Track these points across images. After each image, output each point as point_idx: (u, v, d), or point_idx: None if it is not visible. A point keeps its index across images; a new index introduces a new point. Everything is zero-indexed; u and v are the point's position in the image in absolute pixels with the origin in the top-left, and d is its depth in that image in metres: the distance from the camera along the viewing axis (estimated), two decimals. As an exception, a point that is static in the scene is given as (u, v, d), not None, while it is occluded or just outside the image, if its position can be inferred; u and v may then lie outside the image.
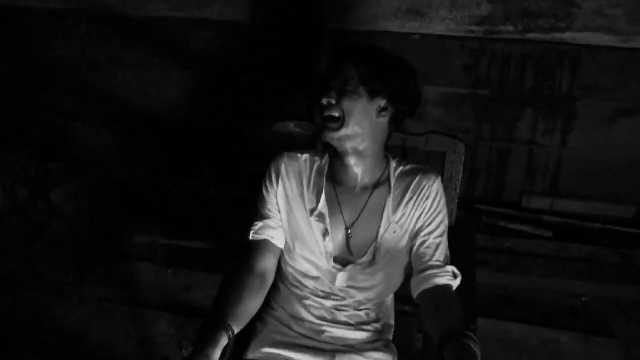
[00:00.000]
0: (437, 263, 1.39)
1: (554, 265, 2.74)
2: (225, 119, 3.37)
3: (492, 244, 2.92)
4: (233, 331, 1.28)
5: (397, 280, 1.49)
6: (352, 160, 1.42)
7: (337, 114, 1.35)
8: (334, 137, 1.36)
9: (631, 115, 2.78)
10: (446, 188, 1.54)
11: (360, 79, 1.35)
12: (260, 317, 1.45)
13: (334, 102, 1.35)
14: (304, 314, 1.47)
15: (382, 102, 1.37)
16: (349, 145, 1.39)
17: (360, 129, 1.36)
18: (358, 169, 1.44)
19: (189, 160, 3.56)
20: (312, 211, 1.44)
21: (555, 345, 2.31)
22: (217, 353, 1.22)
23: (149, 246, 3.03)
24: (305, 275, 1.46)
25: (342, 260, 1.44)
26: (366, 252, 1.43)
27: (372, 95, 1.35)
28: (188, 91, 3.38)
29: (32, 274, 2.77)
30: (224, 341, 1.24)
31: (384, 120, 1.40)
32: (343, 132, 1.35)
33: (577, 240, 2.90)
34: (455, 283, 1.38)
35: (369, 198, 1.44)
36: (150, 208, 3.35)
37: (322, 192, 1.45)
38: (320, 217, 1.43)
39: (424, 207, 1.42)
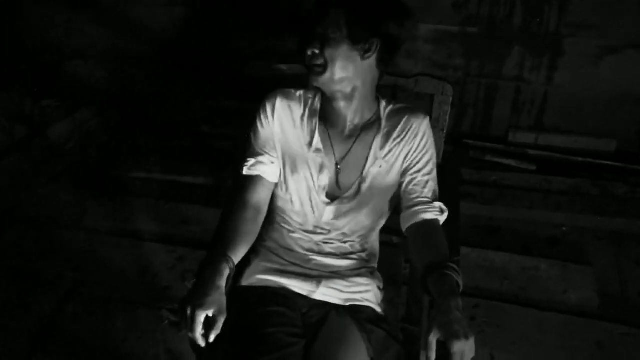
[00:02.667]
0: (425, 199, 1.44)
1: (537, 197, 2.82)
2: (217, 55, 3.37)
3: (478, 177, 2.99)
4: (233, 262, 1.34)
5: (382, 214, 1.55)
6: (341, 103, 1.45)
7: (320, 62, 1.36)
8: (319, 81, 1.38)
9: (616, 52, 2.81)
10: (434, 127, 1.56)
11: (346, 23, 1.34)
12: (252, 248, 1.49)
13: (317, 51, 1.35)
14: (293, 245, 1.53)
15: (366, 45, 1.36)
16: (336, 88, 1.41)
17: (345, 73, 1.37)
18: (347, 111, 1.46)
19: (181, 96, 3.58)
20: (308, 146, 1.48)
21: (535, 272, 2.40)
22: (223, 282, 1.28)
23: (145, 181, 3.08)
24: (294, 211, 1.52)
25: (330, 195, 1.49)
26: (352, 185, 1.49)
27: (356, 40, 1.35)
28: (178, 27, 3.36)
29: (33, 209, 2.83)
30: (226, 272, 1.30)
31: (371, 62, 1.40)
32: (327, 76, 1.37)
33: (560, 173, 2.99)
34: (442, 218, 1.44)
35: (358, 136, 1.48)
36: (144, 144, 3.38)
37: (315, 129, 1.48)
38: (317, 152, 1.47)
39: (411, 145, 1.46)
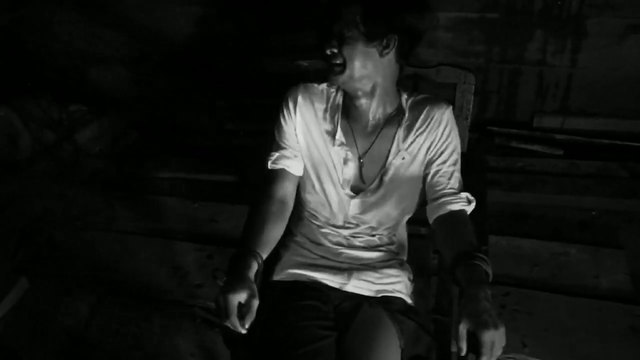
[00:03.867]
0: (451, 190, 1.44)
1: (564, 181, 2.79)
2: (238, 53, 3.39)
3: (504, 164, 2.97)
4: (262, 257, 1.36)
5: (409, 205, 1.55)
6: (362, 100, 1.45)
7: (339, 61, 1.36)
8: (339, 80, 1.39)
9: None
10: (457, 117, 1.56)
11: (361, 20, 1.33)
12: (282, 244, 1.52)
13: (335, 50, 1.35)
14: (322, 240, 1.55)
15: (384, 41, 1.36)
16: (356, 86, 1.41)
17: (365, 71, 1.37)
18: (369, 107, 1.46)
19: (204, 96, 3.62)
20: (331, 140, 1.48)
21: (565, 257, 2.38)
22: (252, 274, 1.30)
23: (172, 181, 3.12)
24: (321, 205, 1.53)
25: (355, 188, 1.51)
26: (375, 178, 1.50)
27: (372, 37, 1.34)
28: (198, 26, 3.39)
29: (64, 212, 2.88)
30: (255, 267, 1.32)
31: (390, 57, 1.39)
32: (347, 74, 1.37)
33: (587, 156, 2.95)
34: (469, 208, 1.44)
35: (381, 129, 1.48)
36: (170, 144, 3.43)
37: (337, 124, 1.49)
38: (341, 146, 1.48)
39: (434, 135, 1.46)
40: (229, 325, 1.25)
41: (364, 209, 1.51)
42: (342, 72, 1.37)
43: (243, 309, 1.24)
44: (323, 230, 1.56)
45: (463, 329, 1.17)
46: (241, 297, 1.24)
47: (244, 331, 1.24)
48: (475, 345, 1.16)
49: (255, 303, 1.25)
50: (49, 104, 3.36)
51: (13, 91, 3.32)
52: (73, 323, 2.28)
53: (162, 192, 3.03)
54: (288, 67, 1.83)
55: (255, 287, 1.28)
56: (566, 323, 2.07)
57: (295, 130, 1.51)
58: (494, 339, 1.14)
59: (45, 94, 3.42)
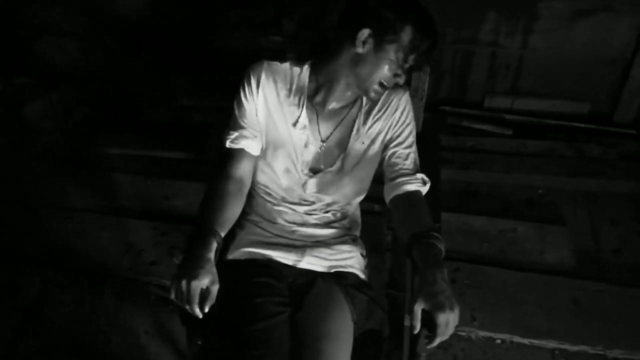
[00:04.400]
0: (407, 171, 1.47)
1: (513, 160, 2.87)
2: (194, 27, 3.33)
3: (455, 143, 3.03)
4: (220, 235, 1.35)
5: (364, 185, 1.58)
6: (330, 85, 1.46)
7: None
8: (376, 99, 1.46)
9: (589, 15, 2.84)
10: (413, 97, 1.57)
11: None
12: (237, 222, 1.50)
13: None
14: (277, 218, 1.55)
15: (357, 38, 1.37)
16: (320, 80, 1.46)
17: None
18: (334, 92, 1.46)
19: (158, 70, 3.55)
20: (294, 122, 1.48)
21: (512, 234, 2.46)
22: (212, 255, 1.30)
23: (125, 157, 3.06)
24: (277, 184, 1.53)
25: (313, 169, 1.52)
26: (335, 161, 1.51)
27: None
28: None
29: (12, 188, 2.81)
30: (214, 245, 1.31)
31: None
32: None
33: (535, 136, 3.04)
34: (424, 189, 1.46)
35: (343, 115, 1.50)
36: (123, 120, 3.35)
37: (302, 106, 1.47)
38: (304, 129, 1.48)
39: (392, 119, 1.49)
40: (187, 309, 1.24)
41: (321, 188, 1.52)
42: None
43: (204, 293, 1.24)
44: (277, 208, 1.56)
45: (418, 308, 1.19)
46: (203, 283, 1.24)
47: (201, 315, 1.25)
48: (429, 324, 1.19)
49: (216, 288, 1.26)
50: (-8, 76, 3.23)
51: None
52: (26, 300, 2.24)
53: (114, 169, 2.97)
54: (245, 43, 1.80)
55: (216, 271, 1.28)
56: (514, 297, 2.15)
57: (256, 109, 1.49)
58: (449, 319, 1.17)
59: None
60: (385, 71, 1.38)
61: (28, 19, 3.42)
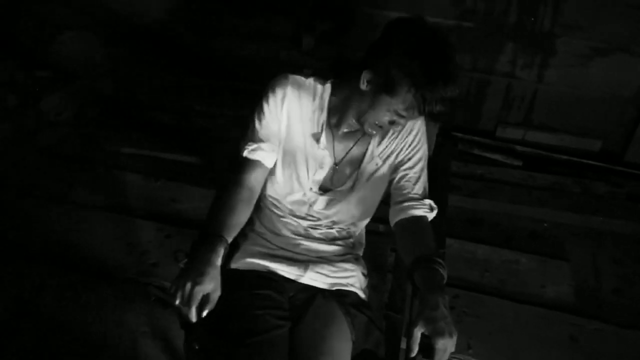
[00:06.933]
0: (416, 195, 1.47)
1: (521, 192, 2.87)
2: (208, 35, 3.36)
3: (465, 170, 3.04)
4: (227, 242, 1.34)
5: (372, 207, 1.58)
6: (340, 112, 1.46)
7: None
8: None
9: (606, 54, 2.85)
10: (427, 122, 1.57)
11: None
12: (241, 232, 1.48)
13: None
14: (281, 229, 1.55)
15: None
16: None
17: None
18: (347, 119, 1.45)
19: (171, 74, 3.58)
20: (312, 141, 1.47)
21: (515, 265, 2.46)
22: (219, 261, 1.28)
23: (134, 157, 3.07)
24: (287, 197, 1.53)
25: (323, 187, 1.52)
26: (346, 181, 1.51)
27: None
28: (171, 4, 3.36)
29: (21, 180, 2.82)
30: (221, 251, 1.30)
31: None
32: None
33: (544, 170, 3.05)
34: (431, 215, 1.46)
35: (359, 137, 1.49)
36: (134, 119, 3.37)
37: (322, 125, 1.47)
38: (323, 149, 1.47)
39: (405, 141, 1.49)
40: (182, 310, 1.23)
41: (330, 206, 1.53)
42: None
43: (204, 299, 1.23)
44: (283, 219, 1.56)
45: (418, 331, 1.19)
46: (206, 289, 1.23)
47: (195, 319, 1.23)
48: (427, 349, 1.18)
49: (217, 295, 1.25)
50: (15, 68, 3.26)
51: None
52: (25, 293, 2.24)
53: (123, 168, 2.97)
54: (262, 54, 1.80)
55: (219, 278, 1.27)
56: (511, 328, 2.15)
57: (278, 124, 1.47)
58: (447, 346, 1.17)
59: (12, 57, 3.32)
60: (380, 116, 1.35)
61: (48, 16, 3.46)
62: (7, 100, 3.13)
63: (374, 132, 1.41)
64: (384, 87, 1.29)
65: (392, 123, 1.36)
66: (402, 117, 1.33)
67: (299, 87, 1.46)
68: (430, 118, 1.37)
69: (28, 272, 2.31)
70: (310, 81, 1.47)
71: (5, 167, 2.88)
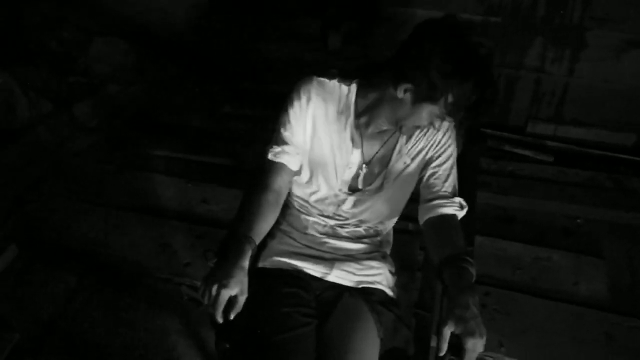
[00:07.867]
0: (445, 193, 1.46)
1: (552, 188, 2.83)
2: (236, 38, 3.39)
3: (495, 166, 3.00)
4: (255, 243, 1.36)
5: (400, 206, 1.58)
6: (369, 114, 1.45)
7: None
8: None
9: (638, 46, 2.79)
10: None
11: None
12: (269, 232, 1.50)
13: None
14: (308, 228, 1.57)
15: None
16: None
17: None
18: (376, 120, 1.44)
19: (202, 77, 3.62)
20: (339, 143, 1.48)
21: (547, 262, 2.42)
22: (247, 263, 1.31)
23: (166, 159, 3.11)
24: (315, 198, 1.54)
25: (352, 187, 1.52)
26: (375, 180, 1.51)
27: None
28: (200, 8, 3.40)
29: (57, 184, 2.88)
30: (249, 252, 1.32)
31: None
32: None
33: (576, 165, 2.99)
34: (461, 214, 1.45)
35: (389, 137, 1.49)
36: (166, 124, 3.42)
37: (348, 127, 1.47)
38: (352, 149, 1.48)
39: (434, 139, 1.48)
40: (210, 311, 1.26)
41: (358, 205, 1.53)
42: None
43: (231, 300, 1.26)
44: (310, 219, 1.57)
45: (448, 330, 1.20)
46: (232, 292, 1.25)
47: (221, 321, 1.25)
48: (456, 348, 1.19)
49: (244, 298, 1.27)
50: (49, 74, 3.33)
51: (14, 59, 3.30)
52: (55, 296, 2.30)
53: (155, 170, 3.02)
54: (289, 55, 1.81)
55: (246, 281, 1.29)
56: (543, 326, 2.12)
57: (304, 127, 1.48)
58: (477, 345, 1.18)
59: (46, 63, 3.39)
60: (422, 120, 1.35)
61: (84, 20, 3.53)
62: (42, 106, 3.19)
63: (410, 133, 1.44)
64: (426, 97, 1.29)
65: (431, 124, 1.37)
66: (443, 119, 1.35)
67: (324, 89, 1.47)
68: (471, 119, 1.36)
69: (65, 273, 2.38)
70: (335, 82, 1.48)
71: (41, 171, 2.94)
